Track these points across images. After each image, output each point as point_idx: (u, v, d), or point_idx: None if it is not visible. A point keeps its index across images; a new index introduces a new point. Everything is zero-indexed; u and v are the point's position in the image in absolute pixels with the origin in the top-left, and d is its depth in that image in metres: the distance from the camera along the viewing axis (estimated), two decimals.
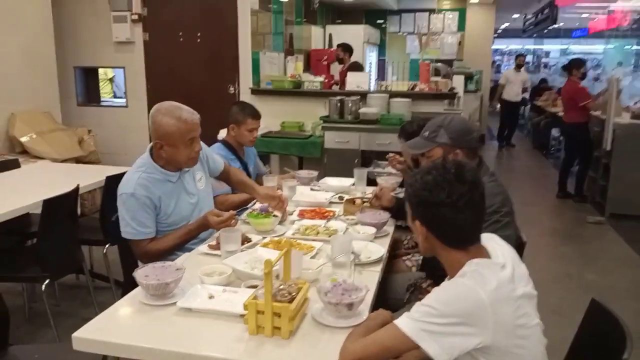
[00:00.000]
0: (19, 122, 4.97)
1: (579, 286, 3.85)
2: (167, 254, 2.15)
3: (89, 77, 6.56)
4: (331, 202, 2.80)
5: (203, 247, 2.09)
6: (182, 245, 2.18)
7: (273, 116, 5.54)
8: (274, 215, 2.34)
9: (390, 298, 2.38)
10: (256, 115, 3.16)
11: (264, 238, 2.20)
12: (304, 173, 3.27)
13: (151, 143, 2.27)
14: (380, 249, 2.07)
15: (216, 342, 1.44)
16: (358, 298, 1.52)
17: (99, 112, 6.41)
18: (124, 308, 1.64)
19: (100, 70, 6.86)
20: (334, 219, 2.46)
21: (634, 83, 9.08)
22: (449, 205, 1.33)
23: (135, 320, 1.58)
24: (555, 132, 8.89)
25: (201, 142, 2.50)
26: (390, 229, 2.36)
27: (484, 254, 1.38)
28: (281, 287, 1.53)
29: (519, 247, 2.18)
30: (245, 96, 5.67)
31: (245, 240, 2.15)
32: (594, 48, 13.09)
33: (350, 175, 3.20)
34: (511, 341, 1.28)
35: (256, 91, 5.66)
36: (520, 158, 8.71)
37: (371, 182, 3.24)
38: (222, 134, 3.65)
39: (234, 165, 3.06)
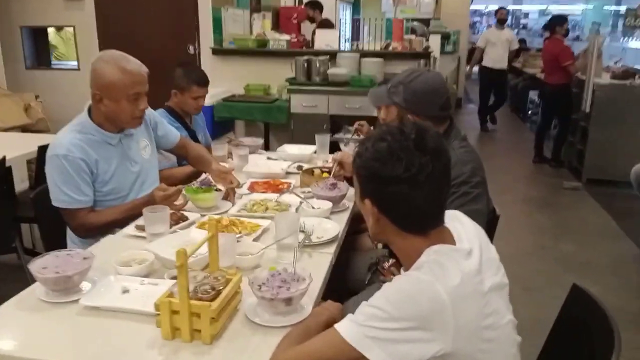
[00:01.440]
0: None
1: (555, 259, 3.67)
2: (107, 229, 1.89)
3: (37, 38, 6.06)
4: (289, 173, 2.52)
5: (129, 228, 1.80)
6: (127, 221, 1.89)
7: (236, 78, 5.18)
8: (217, 189, 2.05)
9: (351, 279, 2.15)
10: (202, 82, 2.79)
11: (203, 216, 1.92)
12: (247, 140, 2.97)
13: (88, 102, 1.96)
14: (335, 227, 1.81)
15: (123, 349, 1.17)
16: (298, 291, 1.27)
17: (49, 75, 5.94)
18: (16, 307, 1.35)
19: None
20: (289, 192, 2.18)
21: (612, 44, 8.89)
22: (407, 180, 1.06)
23: (28, 323, 1.29)
24: (533, 94, 8.67)
25: (150, 109, 2.19)
26: (350, 203, 2.10)
27: (446, 238, 1.13)
28: (205, 280, 1.26)
29: (492, 221, 1.95)
30: (207, 57, 5.28)
31: (180, 219, 1.87)
32: (573, 8, 12.84)
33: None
34: (476, 346, 1.04)
35: (218, 51, 5.26)
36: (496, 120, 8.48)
37: (337, 149, 2.97)
38: None
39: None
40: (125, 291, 1.38)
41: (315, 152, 2.81)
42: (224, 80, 5.17)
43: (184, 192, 1.97)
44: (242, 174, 2.43)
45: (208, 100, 4.72)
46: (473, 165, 1.78)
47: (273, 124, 5.09)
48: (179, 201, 1.95)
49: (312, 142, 2.88)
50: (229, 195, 2.08)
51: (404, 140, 1.08)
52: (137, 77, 1.91)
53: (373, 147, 1.10)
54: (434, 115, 1.84)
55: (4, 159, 2.64)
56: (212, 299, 1.20)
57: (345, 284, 2.16)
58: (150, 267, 1.49)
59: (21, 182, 3.47)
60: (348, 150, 2.72)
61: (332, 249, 1.69)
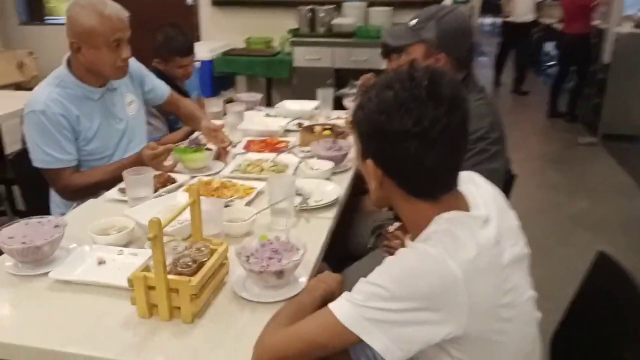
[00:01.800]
0: None
1: (568, 217, 3.52)
2: (93, 190, 1.77)
3: None
4: (288, 131, 2.35)
5: (112, 192, 1.66)
6: (114, 182, 1.75)
7: (237, 31, 4.92)
8: (207, 149, 1.90)
9: (354, 243, 2.01)
10: (185, 51, 2.56)
11: (193, 178, 1.77)
12: (245, 96, 2.77)
13: (67, 54, 1.81)
14: (336, 189, 1.65)
15: (94, 330, 1.05)
16: (291, 263, 1.13)
17: (43, 31, 5.70)
18: None
19: None
20: (287, 151, 2.02)
21: None
22: (417, 135, 0.89)
23: None
24: (548, 46, 8.27)
25: (138, 63, 2.01)
26: (353, 163, 1.94)
27: (460, 204, 0.97)
28: (185, 252, 1.12)
29: (508, 182, 1.78)
30: (206, 8, 5.01)
31: (168, 181, 1.72)
32: None
33: None
34: (491, 326, 0.91)
35: (218, 2, 4.99)
36: (508, 75, 8.15)
37: (340, 106, 2.79)
38: None
39: None
40: (101, 262, 1.25)
41: (317, 108, 2.63)
42: (224, 33, 4.92)
43: (173, 152, 1.82)
44: (237, 131, 2.26)
45: (207, 55, 4.53)
46: (491, 120, 1.60)
47: (275, 79, 4.87)
48: (168, 162, 1.81)
49: (315, 98, 2.70)
50: (220, 155, 1.93)
51: (414, 87, 0.91)
52: (117, 23, 1.74)
53: (377, 97, 0.93)
54: (462, 57, 1.64)
55: None
56: (193, 273, 1.07)
57: (347, 248, 2.03)
58: (130, 235, 1.36)
59: (13, 143, 3.33)
60: (352, 105, 2.54)
61: (331, 214, 1.54)
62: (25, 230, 1.25)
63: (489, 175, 1.38)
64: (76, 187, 1.78)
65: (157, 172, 1.77)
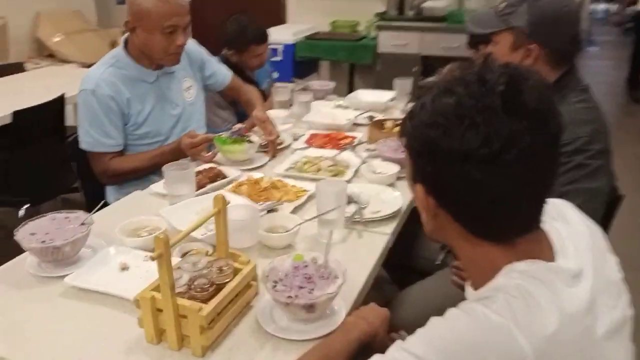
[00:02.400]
0: (44, 22, 4.56)
1: None
2: (130, 177, 1.73)
3: None
4: (358, 125, 2.14)
5: (157, 185, 1.55)
6: (154, 169, 1.68)
7: (324, 14, 4.74)
8: (249, 141, 1.74)
9: (420, 256, 1.79)
10: (261, 38, 2.41)
11: (243, 172, 1.63)
12: (316, 84, 2.58)
13: (125, 35, 1.74)
14: (398, 199, 1.43)
15: (98, 351, 0.93)
16: (324, 296, 0.93)
17: None
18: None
19: None
20: (350, 148, 1.82)
21: None
22: (484, 159, 0.65)
23: (2, 303, 1.08)
24: None
25: (199, 47, 1.90)
26: None
27: (542, 249, 0.73)
28: (204, 270, 0.97)
29: (612, 203, 1.45)
30: None
31: (217, 176, 1.59)
32: None
33: None
34: None
35: None
36: (610, 57, 6.98)
37: None
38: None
39: None
40: (124, 268, 1.13)
41: (392, 99, 2.39)
42: (310, 16, 4.76)
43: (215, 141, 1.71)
44: (302, 123, 2.09)
45: (290, 38, 4.40)
46: (593, 127, 1.29)
47: (358, 65, 4.64)
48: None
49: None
50: (269, 148, 1.79)
51: (485, 93, 0.67)
52: (175, 7, 1.63)
53: (432, 104, 0.71)
54: (562, 50, 1.35)
55: (61, 96, 2.51)
56: (209, 299, 0.91)
57: (412, 261, 1.80)
58: None
59: None
60: None
61: (389, 229, 1.33)
62: (49, 227, 1.16)
63: (589, 198, 1.10)
64: (113, 172, 1.73)
65: (206, 166, 1.65)
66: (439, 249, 1.71)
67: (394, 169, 1.57)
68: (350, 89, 4.63)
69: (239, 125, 1.79)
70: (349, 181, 1.56)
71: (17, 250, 1.15)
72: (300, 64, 4.50)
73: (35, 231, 1.14)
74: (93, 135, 1.68)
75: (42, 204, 2.50)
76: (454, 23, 4.03)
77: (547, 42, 1.32)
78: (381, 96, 2.41)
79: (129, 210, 1.41)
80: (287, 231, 1.24)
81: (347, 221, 1.30)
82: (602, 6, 10.95)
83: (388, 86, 2.80)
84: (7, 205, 2.54)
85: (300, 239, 1.26)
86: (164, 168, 1.37)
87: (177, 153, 1.68)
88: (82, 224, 1.18)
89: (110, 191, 1.84)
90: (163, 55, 1.69)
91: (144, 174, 1.68)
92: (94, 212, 1.21)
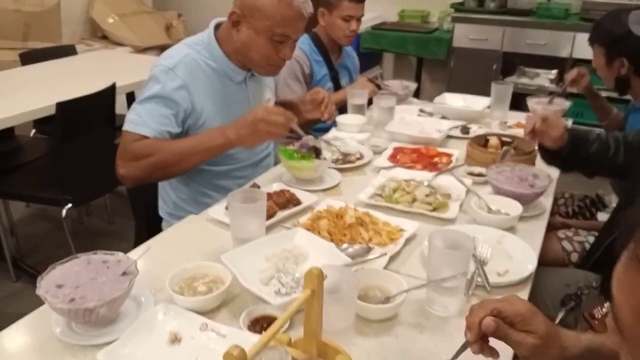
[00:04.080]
0: (99, 3, 4.38)
1: None
2: (154, 169, 1.31)
3: None
4: (448, 137, 1.80)
5: (216, 211, 1.26)
6: (192, 163, 1.34)
7: (391, 2, 4.36)
8: (318, 157, 1.42)
9: (540, 299, 1.45)
10: None
11: (324, 191, 1.32)
12: (395, 85, 2.22)
13: (216, 19, 1.48)
14: (529, 254, 1.08)
15: None
16: None
17: None
18: (25, 331, 0.90)
19: None
20: (448, 171, 1.48)
21: None
22: None
23: None
24: None
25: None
26: (547, 201, 1.33)
27: None
28: None
29: None
30: None
31: (289, 202, 1.29)
32: None
33: (482, 87, 2.12)
34: None
35: None
36: None
37: (517, 105, 2.15)
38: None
39: (316, 71, 2.14)
40: (175, 340, 0.85)
41: (488, 107, 2.02)
42: (376, 4, 4.38)
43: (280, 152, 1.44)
44: (381, 132, 1.77)
45: None
46: None
47: (428, 59, 4.24)
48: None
49: (476, 86, 2.10)
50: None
51: None
52: (296, 15, 1.35)
53: None
54: None
55: (113, 86, 2.28)
56: None
57: (536, 302, 1.47)
58: (226, 294, 0.94)
59: None
60: (541, 109, 1.90)
61: (523, 295, 0.99)
62: (82, 275, 0.89)
63: None
64: (133, 156, 1.30)
65: (276, 188, 1.35)
66: (558, 303, 1.37)
67: (514, 208, 1.22)
68: (418, 87, 4.26)
69: (307, 138, 1.45)
70: (454, 220, 1.24)
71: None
72: (363, 55, 4.14)
73: (63, 282, 0.87)
74: (140, 114, 1.34)
75: (87, 203, 2.29)
76: (542, 18, 3.60)
77: None
78: (475, 102, 2.04)
79: (183, 245, 1.14)
80: (387, 297, 0.92)
81: (466, 291, 0.97)
82: None
83: (462, 83, 2.47)
84: (48, 203, 2.34)
85: (404, 308, 0.94)
86: (229, 199, 1.07)
87: (226, 145, 1.29)
88: (124, 273, 0.90)
89: (163, 210, 1.58)
90: (261, 63, 1.42)
91: (175, 170, 1.35)
92: (140, 257, 0.93)
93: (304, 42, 2.13)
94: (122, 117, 1.44)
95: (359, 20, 2.15)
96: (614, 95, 1.86)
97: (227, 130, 1.28)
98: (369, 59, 4.28)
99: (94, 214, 2.98)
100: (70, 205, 2.17)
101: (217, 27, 1.48)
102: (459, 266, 0.89)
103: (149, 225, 1.64)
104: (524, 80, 3.72)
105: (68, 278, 0.88)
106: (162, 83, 1.35)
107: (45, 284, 0.86)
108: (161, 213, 1.60)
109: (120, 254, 0.94)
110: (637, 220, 0.46)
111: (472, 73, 3.70)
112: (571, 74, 1.71)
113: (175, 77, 1.36)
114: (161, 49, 4.54)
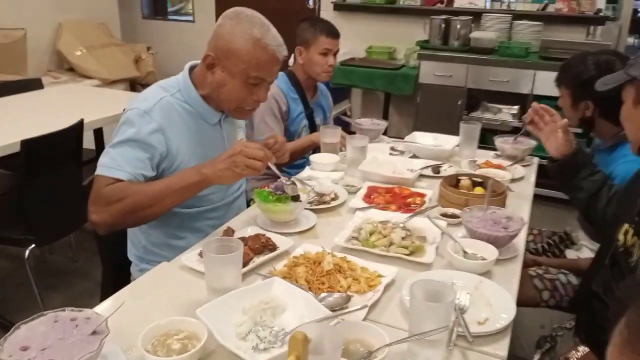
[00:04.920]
0: (66, 34, 4.32)
1: None
2: (127, 212, 1.27)
3: None
4: (421, 176, 1.82)
5: (189, 259, 1.23)
6: (167, 205, 1.31)
7: (359, 39, 4.47)
8: (294, 199, 1.40)
9: (516, 341, 1.45)
10: (332, 32, 2.17)
11: (296, 238, 1.30)
12: (366, 122, 2.26)
13: (191, 62, 1.47)
14: (508, 301, 1.09)
15: None
16: None
17: (164, 27, 5.64)
18: None
19: None
20: (422, 212, 1.49)
21: None
22: None
23: None
24: None
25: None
26: (520, 243, 1.35)
27: None
28: None
29: None
30: (327, 13, 4.60)
31: (265, 247, 1.27)
32: None
33: (448, 122, 2.16)
34: None
35: (340, 6, 4.58)
36: None
37: (482, 139, 2.20)
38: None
39: (292, 109, 2.16)
40: None
41: (457, 145, 2.06)
42: (345, 41, 4.41)
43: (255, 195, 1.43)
44: (354, 171, 1.78)
45: None
46: None
47: (395, 95, 4.33)
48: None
49: (441, 121, 2.21)
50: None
51: None
52: (270, 58, 1.36)
53: None
54: None
55: (80, 122, 2.22)
56: None
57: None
58: (201, 352, 0.90)
59: None
60: (519, 150, 1.97)
61: (502, 347, 0.98)
62: (49, 336, 0.84)
63: None
64: (106, 201, 1.26)
65: (251, 234, 1.32)
66: (534, 345, 1.38)
67: (491, 250, 1.23)
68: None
69: (281, 180, 1.43)
70: (431, 265, 1.24)
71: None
72: (332, 91, 4.18)
73: (28, 344, 0.82)
74: (116, 158, 1.30)
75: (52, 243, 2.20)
76: (504, 56, 3.74)
77: None
78: (446, 141, 2.08)
79: (156, 296, 1.09)
80: (370, 352, 0.90)
81: (448, 343, 0.96)
82: None
83: (428, 119, 2.53)
84: (10, 244, 2.23)
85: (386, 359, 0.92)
86: (204, 249, 1.04)
87: (197, 181, 1.28)
88: (94, 332, 0.85)
89: (132, 255, 1.53)
90: (233, 106, 1.41)
91: (149, 213, 1.30)
92: (111, 315, 0.88)
93: (280, 80, 2.15)
94: (90, 152, 1.41)
95: (335, 55, 2.20)
96: (577, 130, 1.92)
97: (203, 167, 1.28)
98: (339, 94, 4.34)
99: (57, 251, 2.87)
100: (33, 245, 2.08)
101: (192, 69, 1.47)
102: (441, 319, 0.88)
103: (116, 269, 1.59)
104: (488, 115, 3.83)
105: (33, 339, 0.83)
106: (137, 127, 1.32)
107: (9, 347, 0.81)
108: (130, 256, 1.55)
109: (89, 310, 0.90)
110: (627, 300, 0.47)
111: (438, 108, 3.79)
112: (529, 115, 1.77)
113: (151, 120, 1.33)
114: (130, 81, 4.51)
